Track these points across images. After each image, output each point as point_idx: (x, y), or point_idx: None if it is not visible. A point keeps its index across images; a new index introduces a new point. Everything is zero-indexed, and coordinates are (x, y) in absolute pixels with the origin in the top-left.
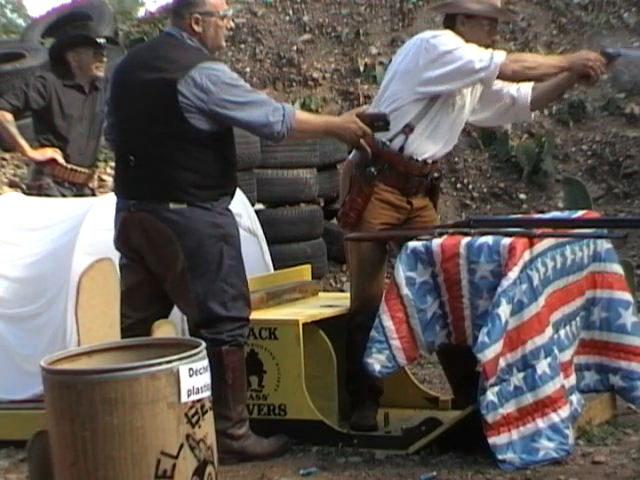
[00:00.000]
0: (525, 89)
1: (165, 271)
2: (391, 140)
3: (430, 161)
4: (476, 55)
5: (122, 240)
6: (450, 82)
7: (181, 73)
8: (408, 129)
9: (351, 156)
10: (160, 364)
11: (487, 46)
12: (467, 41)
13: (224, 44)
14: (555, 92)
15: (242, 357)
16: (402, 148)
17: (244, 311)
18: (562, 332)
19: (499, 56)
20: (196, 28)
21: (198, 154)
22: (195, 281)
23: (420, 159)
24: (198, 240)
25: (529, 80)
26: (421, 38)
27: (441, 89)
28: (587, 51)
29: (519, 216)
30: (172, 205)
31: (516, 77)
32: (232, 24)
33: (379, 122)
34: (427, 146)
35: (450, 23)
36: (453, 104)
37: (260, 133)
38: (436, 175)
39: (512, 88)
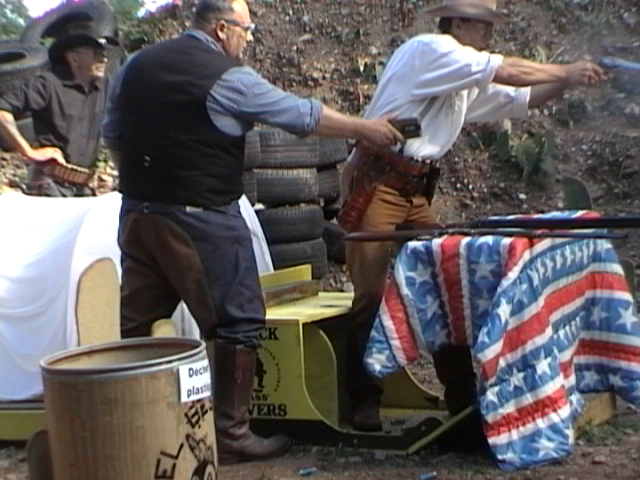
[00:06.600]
0: (524, 88)
1: (179, 274)
2: None
3: (429, 161)
4: (473, 58)
5: (132, 241)
6: (446, 84)
7: (213, 78)
8: None
9: (350, 158)
10: (160, 364)
11: (482, 49)
12: (463, 44)
13: (241, 55)
14: (553, 93)
15: (254, 359)
16: (402, 149)
17: (260, 312)
18: (562, 332)
19: (496, 60)
20: (221, 35)
21: (217, 159)
22: (212, 284)
23: (420, 159)
24: (214, 243)
25: (524, 85)
26: (418, 40)
27: (436, 90)
28: (584, 62)
29: (522, 216)
30: (189, 209)
31: (512, 81)
32: (251, 37)
33: (410, 127)
34: (427, 147)
35: (446, 27)
36: (452, 106)
37: (291, 128)
38: (433, 174)
39: (509, 87)
